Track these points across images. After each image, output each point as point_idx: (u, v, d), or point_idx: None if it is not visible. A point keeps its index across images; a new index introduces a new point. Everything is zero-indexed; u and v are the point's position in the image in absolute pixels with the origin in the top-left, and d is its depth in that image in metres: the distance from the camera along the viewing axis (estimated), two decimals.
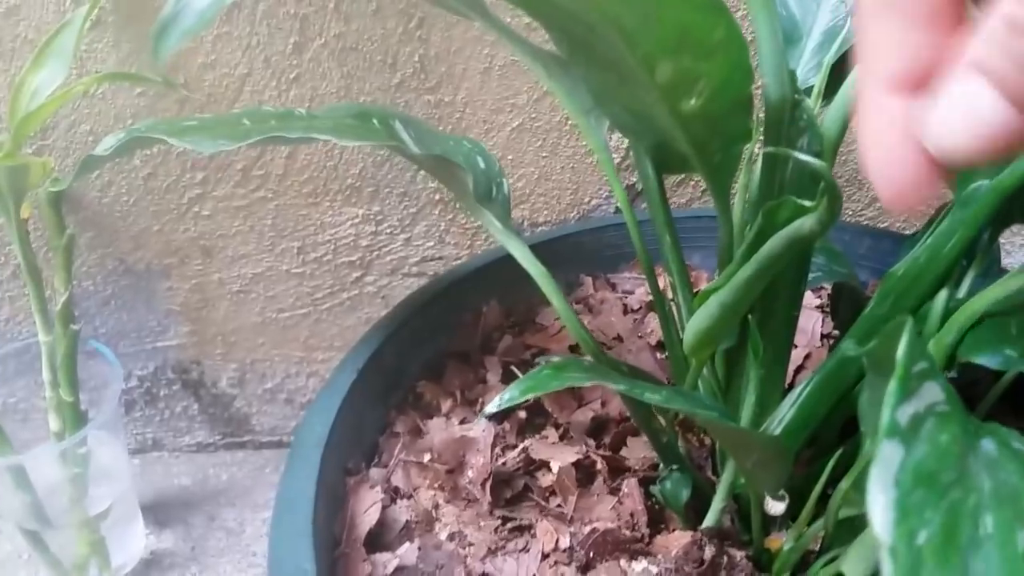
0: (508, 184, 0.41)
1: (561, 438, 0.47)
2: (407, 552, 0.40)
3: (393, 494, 0.43)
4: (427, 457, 0.43)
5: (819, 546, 0.40)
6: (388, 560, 0.39)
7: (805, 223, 0.33)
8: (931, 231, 0.34)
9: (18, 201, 0.48)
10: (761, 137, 0.37)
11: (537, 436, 0.47)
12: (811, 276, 0.41)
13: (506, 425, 0.47)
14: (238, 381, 0.69)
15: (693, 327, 0.37)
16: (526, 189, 0.63)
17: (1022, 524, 0.19)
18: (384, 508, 0.42)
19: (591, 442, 0.46)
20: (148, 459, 0.72)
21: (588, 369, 0.32)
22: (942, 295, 0.35)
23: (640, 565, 0.39)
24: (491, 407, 0.30)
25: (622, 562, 0.39)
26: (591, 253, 0.56)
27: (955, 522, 0.19)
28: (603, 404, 0.48)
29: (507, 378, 0.50)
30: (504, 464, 0.45)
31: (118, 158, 0.39)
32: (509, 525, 0.42)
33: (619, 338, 0.53)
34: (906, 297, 0.35)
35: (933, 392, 0.22)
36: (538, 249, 0.55)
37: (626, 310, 0.55)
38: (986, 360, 0.31)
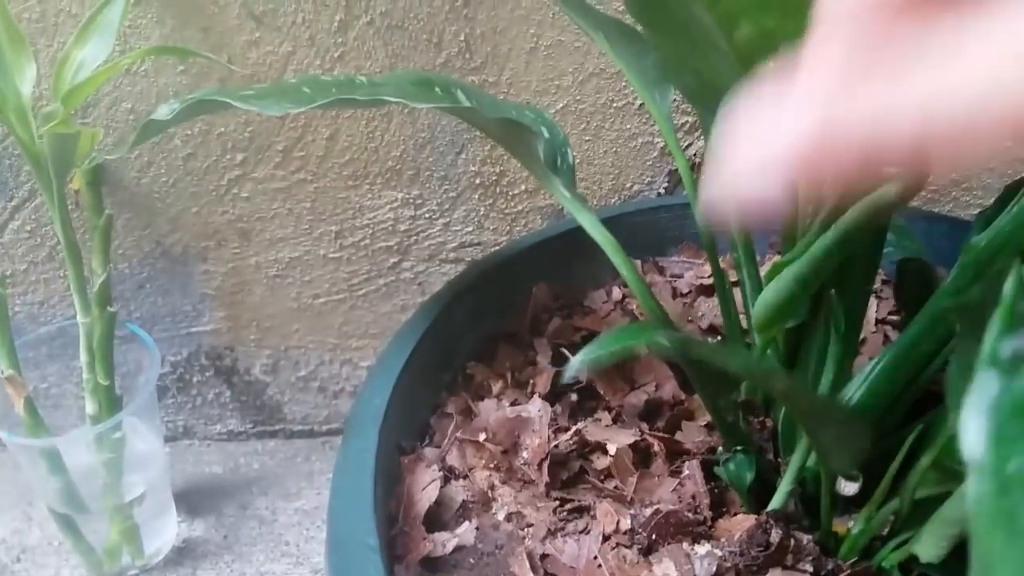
0: (572, 154, 0.40)
1: (614, 421, 0.46)
2: (466, 532, 0.39)
3: (448, 473, 0.42)
4: (482, 436, 0.42)
5: (887, 531, 0.39)
6: (447, 539, 0.38)
7: (889, 190, 0.32)
8: (1016, 202, 0.33)
9: (62, 173, 0.47)
10: None
11: (590, 419, 0.46)
12: (884, 250, 0.40)
13: (558, 408, 0.46)
14: (271, 368, 0.68)
15: (764, 301, 0.36)
16: None
17: None
18: (440, 487, 0.41)
19: (644, 425, 0.45)
20: (179, 447, 0.71)
21: (678, 338, 0.31)
22: None
23: (704, 548, 0.38)
24: (573, 366, 0.29)
25: (685, 545, 0.38)
26: (639, 236, 0.55)
27: None
28: (657, 387, 0.47)
29: (557, 360, 0.49)
30: (557, 446, 0.44)
31: (178, 124, 0.38)
32: (568, 506, 0.41)
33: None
34: (989, 268, 0.34)
35: None
36: (584, 231, 0.55)
37: (675, 294, 0.54)
38: None
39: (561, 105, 0.59)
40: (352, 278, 0.65)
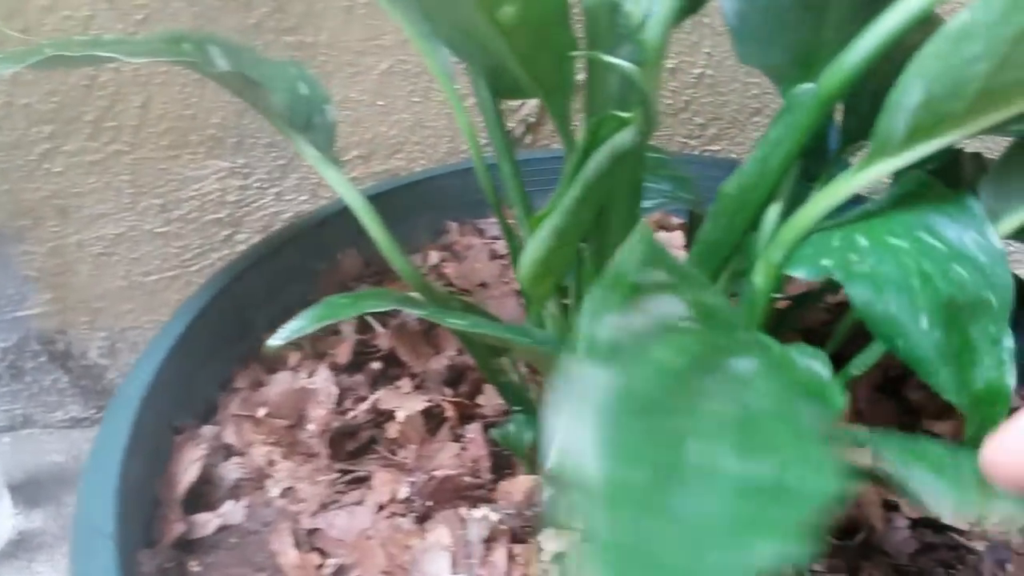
0: (333, 111, 0.38)
1: (417, 388, 0.44)
2: (232, 511, 0.37)
3: (225, 451, 0.40)
4: (262, 411, 0.41)
5: None
6: (209, 520, 0.37)
7: (624, 136, 0.31)
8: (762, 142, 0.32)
9: None
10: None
11: (390, 387, 0.44)
12: (654, 202, 0.39)
13: (358, 377, 0.44)
14: (108, 351, 0.65)
15: (527, 256, 0.35)
16: (400, 137, 0.60)
17: (746, 454, 0.17)
18: (212, 466, 0.39)
19: (447, 391, 0.44)
20: (19, 436, 0.68)
21: (390, 297, 0.29)
22: (773, 211, 0.33)
23: (480, 512, 0.37)
24: (276, 339, 0.28)
25: (462, 510, 0.37)
26: (457, 198, 0.53)
27: (672, 455, 0.16)
28: (460, 351, 0.45)
29: (363, 329, 0.47)
30: (354, 417, 0.42)
31: None
32: (347, 478, 0.39)
33: (484, 285, 0.50)
34: (739, 215, 0.33)
35: (668, 306, 0.20)
36: (400, 193, 0.53)
37: (493, 256, 0.52)
38: (803, 272, 0.29)
39: (385, 66, 0.57)
40: (184, 253, 0.62)
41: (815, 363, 0.24)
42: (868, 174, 0.29)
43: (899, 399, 0.45)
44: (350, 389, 0.44)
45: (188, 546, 0.36)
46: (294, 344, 0.46)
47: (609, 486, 0.14)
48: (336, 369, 0.45)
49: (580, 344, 0.16)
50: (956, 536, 0.39)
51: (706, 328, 0.20)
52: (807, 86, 0.31)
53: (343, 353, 0.45)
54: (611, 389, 0.16)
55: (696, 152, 0.65)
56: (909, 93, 0.27)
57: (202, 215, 0.61)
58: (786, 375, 0.21)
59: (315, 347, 0.46)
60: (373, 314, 0.48)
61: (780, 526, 0.15)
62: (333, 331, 0.47)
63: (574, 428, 0.15)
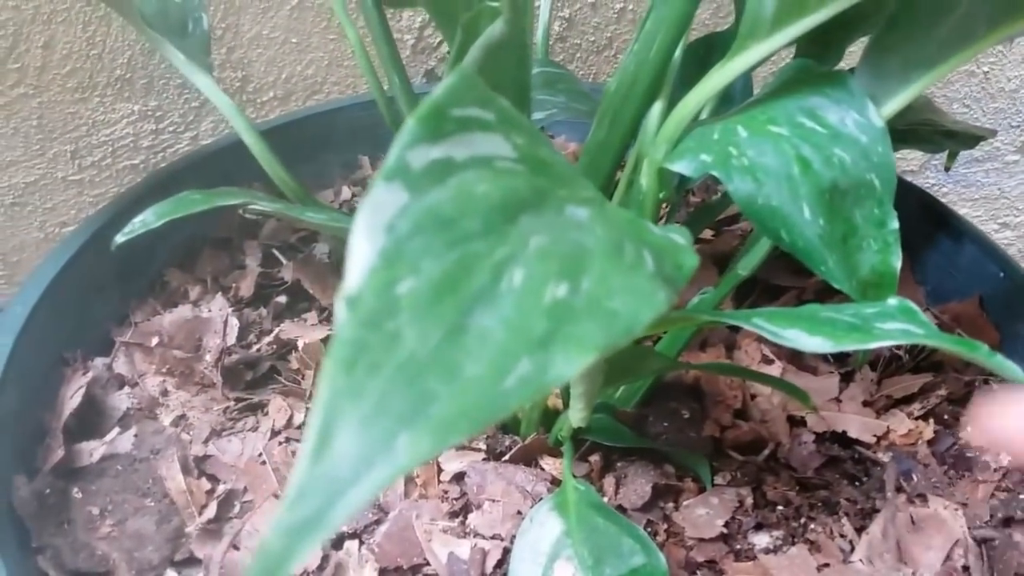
0: (208, 19, 0.37)
1: (324, 321, 0.43)
2: (119, 439, 0.36)
3: (118, 381, 0.39)
4: (155, 341, 0.39)
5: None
6: (95, 448, 0.36)
7: (495, 28, 0.30)
8: (636, 40, 0.31)
9: None
10: None
11: (296, 320, 0.43)
12: (545, 113, 0.38)
13: (263, 310, 0.43)
14: None
15: None
16: (317, 77, 0.59)
17: (559, 279, 0.16)
18: (103, 396, 0.38)
19: None
20: None
21: (242, 193, 0.28)
22: (656, 108, 0.32)
23: None
24: (122, 235, 0.27)
25: None
26: (368, 131, 0.52)
27: (464, 273, 0.15)
28: None
29: (268, 263, 0.46)
30: (258, 350, 0.41)
31: None
32: (241, 405, 0.38)
33: None
34: (623, 113, 0.32)
35: (492, 145, 0.19)
36: (304, 125, 0.52)
37: None
38: (683, 167, 0.29)
39: (296, 2, 0.56)
40: (100, 202, 0.60)
41: (675, 235, 0.23)
42: (740, 61, 0.28)
43: None
44: (254, 323, 0.43)
45: (71, 474, 0.35)
46: (196, 278, 0.45)
47: (368, 289, 0.14)
48: (239, 303, 0.44)
49: (384, 169, 0.15)
50: (862, 449, 0.39)
51: (535, 174, 0.19)
52: None
53: (246, 286, 0.44)
54: (403, 207, 0.15)
55: None
56: None
57: (116, 161, 0.59)
58: (631, 229, 0.20)
59: (217, 281, 0.45)
60: (283, 248, 0.46)
61: (587, 340, 0.15)
62: (237, 265, 0.46)
63: (359, 244, 0.14)
